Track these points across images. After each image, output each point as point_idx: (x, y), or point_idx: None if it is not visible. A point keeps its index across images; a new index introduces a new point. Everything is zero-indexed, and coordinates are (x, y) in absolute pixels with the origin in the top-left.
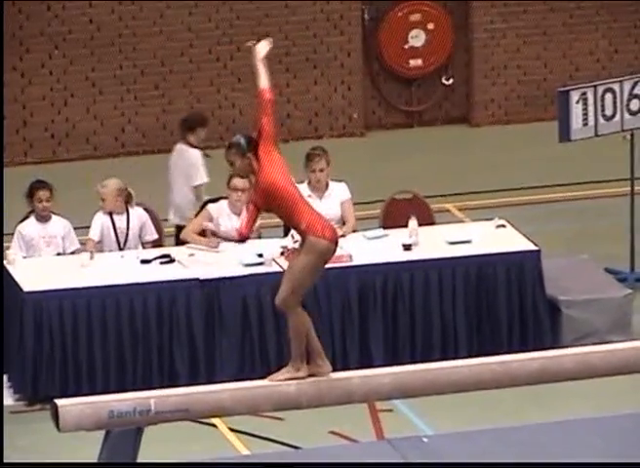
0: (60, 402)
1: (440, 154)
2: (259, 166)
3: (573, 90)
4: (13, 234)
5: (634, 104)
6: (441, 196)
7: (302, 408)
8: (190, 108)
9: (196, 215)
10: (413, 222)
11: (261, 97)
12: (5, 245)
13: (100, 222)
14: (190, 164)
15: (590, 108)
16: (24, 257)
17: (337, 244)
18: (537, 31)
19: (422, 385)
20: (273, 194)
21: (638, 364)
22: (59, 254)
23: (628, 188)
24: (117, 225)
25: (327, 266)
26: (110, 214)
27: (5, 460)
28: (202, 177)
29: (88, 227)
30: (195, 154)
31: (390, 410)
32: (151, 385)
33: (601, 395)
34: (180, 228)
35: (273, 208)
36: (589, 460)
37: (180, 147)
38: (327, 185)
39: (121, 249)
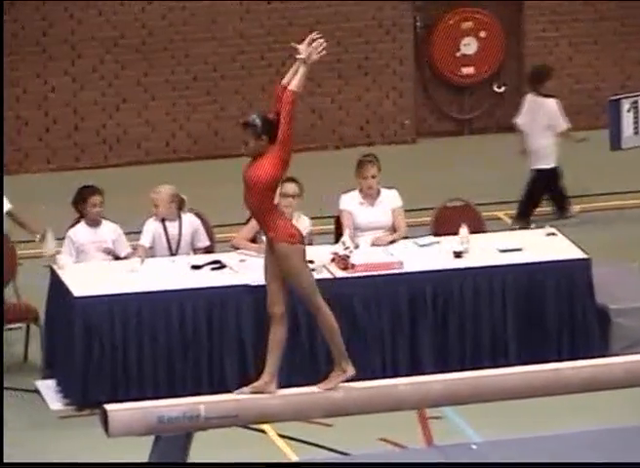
0: (109, 407)
1: (491, 162)
2: (266, 154)
3: (624, 98)
4: (63, 238)
5: None
6: (492, 204)
7: (352, 414)
8: (242, 114)
9: (246, 222)
10: (464, 230)
11: (287, 99)
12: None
13: (151, 229)
14: (550, 113)
15: None
16: (75, 263)
17: (303, 244)
18: (588, 40)
19: (472, 392)
20: (259, 189)
21: None
22: (116, 257)
23: None
24: (169, 232)
25: (377, 273)
26: (163, 220)
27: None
28: (563, 124)
29: (138, 233)
30: (552, 103)
31: (439, 417)
32: (201, 391)
33: None
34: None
35: (251, 198)
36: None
37: (534, 99)
38: (378, 192)
39: (173, 255)
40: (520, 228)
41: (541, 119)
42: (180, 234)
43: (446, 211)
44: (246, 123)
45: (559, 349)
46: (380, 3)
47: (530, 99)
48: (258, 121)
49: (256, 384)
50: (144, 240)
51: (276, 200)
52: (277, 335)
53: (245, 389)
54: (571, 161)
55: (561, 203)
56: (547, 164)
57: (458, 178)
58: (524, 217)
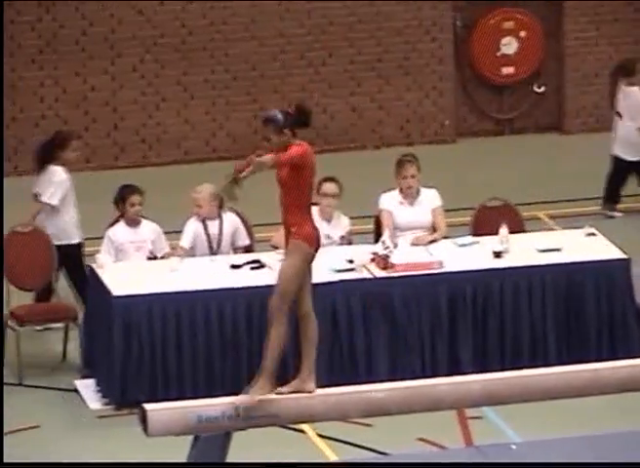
0: (148, 406)
1: (531, 162)
2: (294, 145)
3: None
4: (102, 238)
5: None
6: (532, 204)
7: (392, 414)
8: None
9: None
10: (503, 230)
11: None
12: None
13: (192, 229)
14: (634, 104)
15: None
16: (114, 262)
17: (317, 251)
18: (628, 40)
19: (512, 392)
20: (284, 186)
21: None
22: (150, 259)
23: None
24: (210, 231)
25: (417, 273)
26: (203, 220)
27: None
28: None
29: (178, 232)
30: (637, 96)
31: (479, 418)
32: (240, 390)
33: None
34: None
35: (281, 194)
36: None
37: (624, 89)
38: (418, 192)
39: (213, 255)
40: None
41: (626, 109)
42: (220, 233)
43: (485, 210)
44: (267, 119)
45: (598, 350)
46: (421, 3)
47: (621, 90)
48: (279, 116)
49: (293, 383)
50: (185, 241)
51: (305, 199)
52: (308, 333)
53: (283, 389)
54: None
55: (612, 196)
56: (626, 155)
57: (497, 178)
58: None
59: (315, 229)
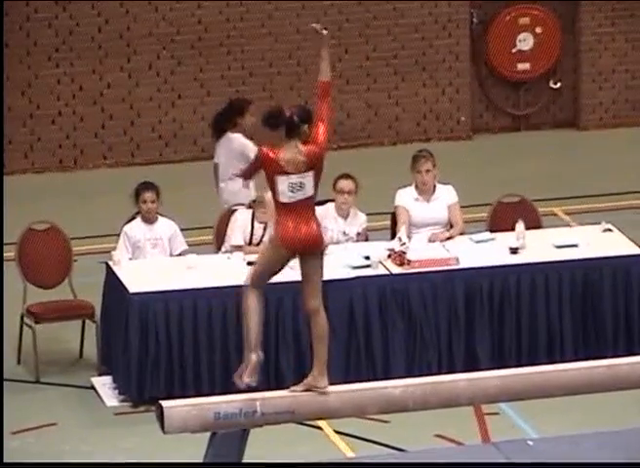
0: (165, 403)
1: (547, 158)
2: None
3: None
4: (119, 235)
5: None
6: (548, 200)
7: (409, 410)
8: None
9: None
10: (520, 226)
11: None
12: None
13: (244, 223)
14: None
15: None
16: (130, 259)
17: (294, 252)
18: None
19: (529, 388)
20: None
21: None
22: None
23: None
24: (255, 231)
25: (433, 269)
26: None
27: (101, 461)
28: None
29: (194, 229)
30: None
31: (496, 414)
32: (257, 387)
33: None
34: None
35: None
36: None
37: None
38: (434, 188)
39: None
40: None
41: None
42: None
43: (502, 206)
44: (267, 115)
45: (615, 345)
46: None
47: None
48: (276, 114)
49: (306, 381)
50: (237, 240)
51: (275, 199)
52: (318, 328)
53: (297, 387)
54: (627, 157)
55: None
56: None
57: (513, 174)
58: None
59: (295, 230)
